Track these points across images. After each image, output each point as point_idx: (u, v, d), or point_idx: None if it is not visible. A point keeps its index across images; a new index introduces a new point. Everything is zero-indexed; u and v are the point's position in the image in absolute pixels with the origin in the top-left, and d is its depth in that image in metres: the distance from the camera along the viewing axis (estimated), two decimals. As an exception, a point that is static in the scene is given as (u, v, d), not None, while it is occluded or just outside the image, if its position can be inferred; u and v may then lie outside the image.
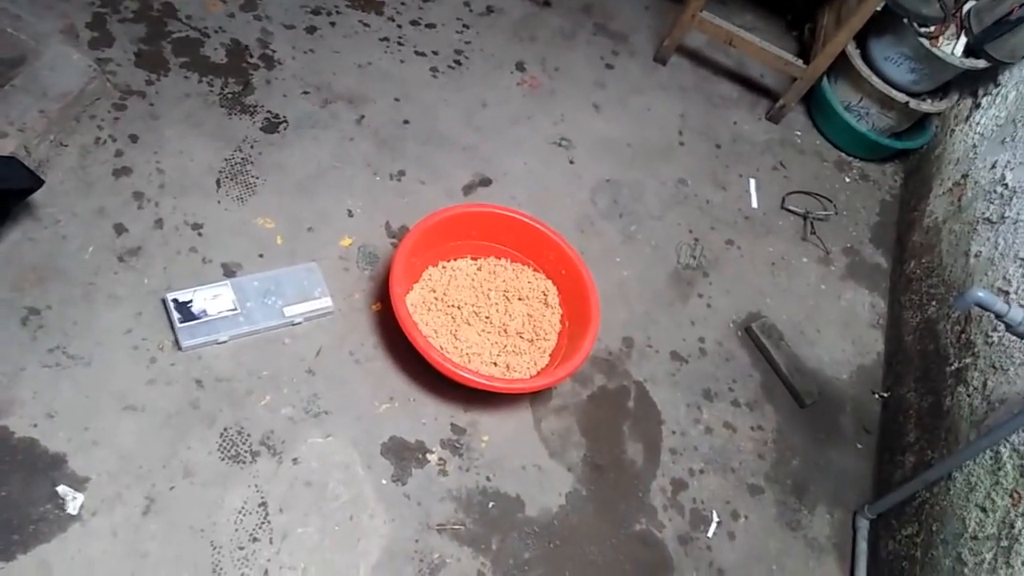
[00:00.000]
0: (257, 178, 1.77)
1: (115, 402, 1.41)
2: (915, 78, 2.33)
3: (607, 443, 1.73)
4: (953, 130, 2.40)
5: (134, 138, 1.72)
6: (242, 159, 1.78)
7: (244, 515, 1.38)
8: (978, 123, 2.27)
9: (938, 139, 2.47)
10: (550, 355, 1.75)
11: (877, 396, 2.09)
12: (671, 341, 1.95)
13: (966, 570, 1.49)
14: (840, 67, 2.44)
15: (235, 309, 1.54)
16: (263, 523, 1.38)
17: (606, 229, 2.09)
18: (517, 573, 1.50)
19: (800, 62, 2.40)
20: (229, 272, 1.61)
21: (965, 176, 2.19)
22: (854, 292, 2.28)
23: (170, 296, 1.50)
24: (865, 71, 2.37)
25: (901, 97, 2.35)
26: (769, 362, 2.03)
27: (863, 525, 1.79)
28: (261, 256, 1.66)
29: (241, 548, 1.35)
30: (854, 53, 2.39)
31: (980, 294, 1.29)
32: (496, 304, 1.76)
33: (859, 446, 1.99)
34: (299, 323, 1.60)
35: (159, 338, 1.49)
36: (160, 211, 1.64)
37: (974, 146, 2.23)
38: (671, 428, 1.81)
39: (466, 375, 1.51)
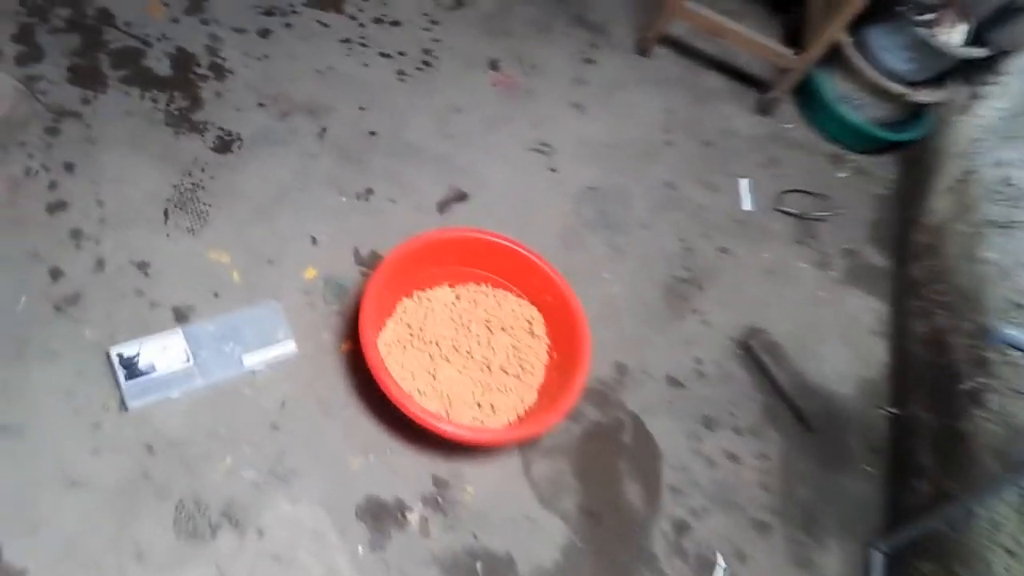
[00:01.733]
0: (209, 205, 1.60)
1: (55, 477, 1.25)
2: (913, 67, 2.20)
3: (603, 485, 1.61)
4: (953, 121, 2.27)
5: (70, 167, 1.54)
6: (192, 184, 1.61)
7: (205, 598, 1.24)
8: (980, 115, 2.14)
9: (937, 130, 2.34)
10: (538, 391, 1.61)
11: (885, 413, 1.99)
12: (666, 364, 1.82)
13: (991, 615, 1.40)
14: (833, 56, 2.30)
15: (188, 361, 1.38)
16: (227, 606, 1.24)
17: (592, 242, 1.94)
18: (511, 639, 1.38)
19: (791, 52, 2.25)
20: (181, 316, 1.45)
21: (968, 173, 2.07)
22: (855, 297, 2.16)
23: (114, 351, 1.34)
24: (860, 61, 2.23)
25: (898, 88, 2.21)
26: (771, 382, 1.91)
27: (877, 560, 1.68)
28: (216, 296, 1.50)
29: (203, 637, 1.22)
30: (847, 42, 2.25)
31: (1011, 333, 1.17)
32: (478, 336, 1.62)
33: (868, 469, 1.88)
34: (260, 371, 1.44)
35: (103, 399, 1.33)
36: (101, 249, 1.47)
37: (976, 140, 2.11)
38: (670, 463, 1.69)
39: (448, 428, 1.37)
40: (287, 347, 1.46)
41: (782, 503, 1.73)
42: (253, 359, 1.43)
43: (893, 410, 1.98)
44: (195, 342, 1.41)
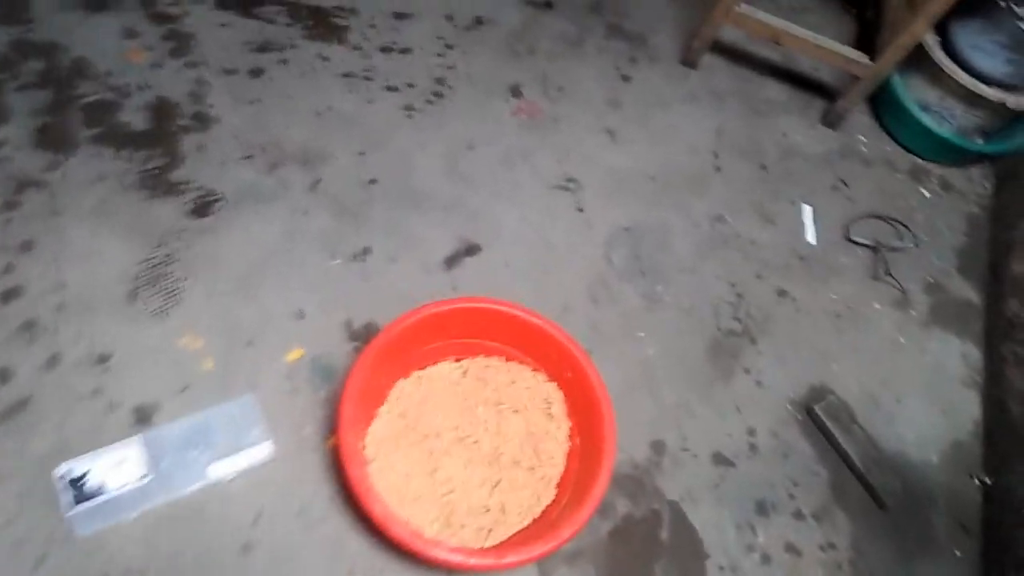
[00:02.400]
0: (184, 280, 1.43)
1: (-6, 619, 1.11)
2: (1012, 70, 1.85)
3: (635, 595, 1.38)
4: (1063, 130, 1.91)
5: (28, 246, 1.40)
6: (165, 257, 1.45)
7: None
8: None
9: (1042, 140, 1.98)
10: (558, 485, 1.39)
11: (977, 482, 1.68)
12: (712, 439, 1.57)
13: None
14: (915, 58, 1.96)
15: (146, 476, 1.21)
16: None
17: (625, 293, 1.70)
18: None
19: (865, 58, 1.93)
20: (143, 417, 1.29)
21: (1085, 197, 1.72)
22: (940, 342, 1.84)
23: (61, 470, 1.19)
24: (948, 64, 1.89)
25: (995, 95, 1.87)
26: (838, 453, 1.63)
27: None
28: (185, 389, 1.33)
29: None
30: (933, 43, 1.91)
31: None
32: (486, 422, 1.40)
33: (958, 553, 1.59)
34: (232, 479, 1.27)
35: (50, 527, 1.18)
36: (57, 342, 1.32)
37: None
38: (718, 563, 1.44)
39: (441, 555, 1.16)
40: (262, 450, 1.28)
41: (854, 609, 1.47)
42: (220, 470, 1.25)
43: (986, 479, 1.67)
44: (157, 449, 1.24)
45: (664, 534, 1.44)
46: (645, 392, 1.58)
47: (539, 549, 1.21)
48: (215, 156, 1.59)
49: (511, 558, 1.19)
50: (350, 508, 1.30)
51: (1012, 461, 1.63)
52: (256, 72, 1.74)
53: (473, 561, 1.19)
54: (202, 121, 1.63)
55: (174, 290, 1.41)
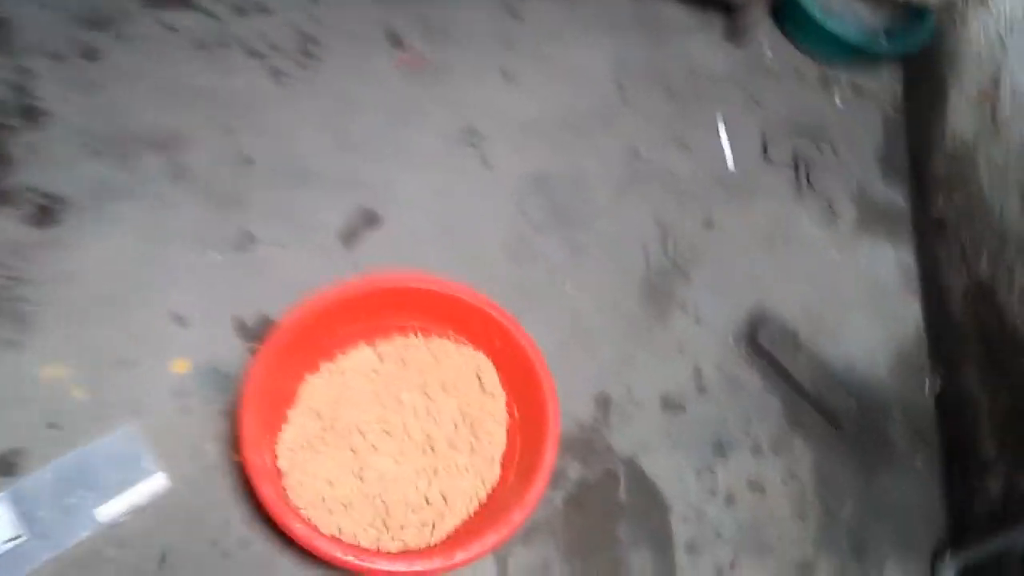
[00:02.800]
0: (34, 305, 1.22)
1: None
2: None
3: (601, 564, 1.27)
4: (966, 19, 1.86)
5: None
6: (7, 279, 1.23)
7: None
8: (1004, 7, 1.73)
9: (946, 32, 1.93)
10: (501, 463, 1.26)
11: (928, 390, 1.64)
12: (658, 385, 1.47)
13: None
14: (809, -41, 1.88)
15: (19, 536, 1.02)
16: None
17: (545, 247, 1.56)
18: None
19: (759, -36, 1.83)
20: (6, 468, 1.09)
21: (996, 82, 1.67)
22: (873, 251, 1.79)
23: (-97, 548, 0.99)
24: (843, -40, 1.81)
25: (894, -13, 1.80)
26: (787, 380, 1.55)
27: (949, 580, 1.36)
28: (53, 427, 1.13)
29: None
30: (826, -61, 1.83)
31: None
32: (414, 408, 1.25)
33: (918, 465, 1.54)
34: (126, 520, 1.09)
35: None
36: None
37: (1001, 39, 1.70)
38: (681, 513, 1.34)
39: (385, 566, 1.02)
40: (155, 481, 1.11)
41: (824, 532, 1.40)
42: (109, 511, 1.07)
43: (936, 382, 1.64)
44: (29, 503, 1.05)
45: (622, 494, 1.34)
46: (581, 348, 1.46)
47: (491, 539, 1.08)
48: (53, 156, 1.36)
49: (461, 555, 1.06)
50: (274, 524, 1.14)
51: (958, 361, 1.59)
52: (90, 53, 1.50)
53: (419, 567, 1.05)
54: (31, 118, 1.39)
55: (24, 315, 1.20)
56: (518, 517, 1.09)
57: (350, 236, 1.44)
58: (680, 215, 1.69)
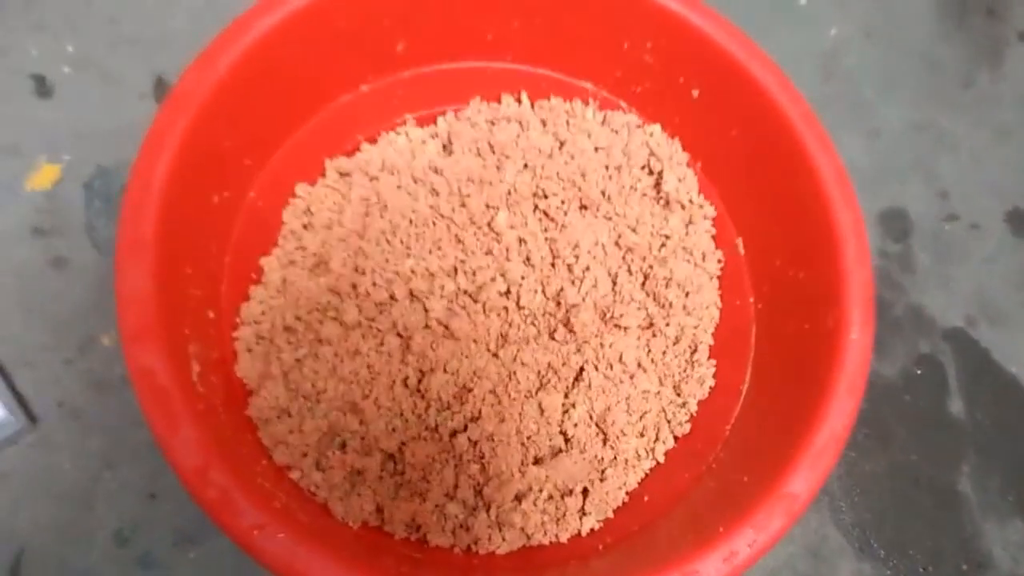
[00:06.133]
0: None
1: None
2: None
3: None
4: None
5: None
6: None
7: None
8: None
9: None
10: (712, 387, 0.58)
11: None
12: (1000, 176, 0.74)
13: None
14: None
15: None
16: None
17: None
18: None
19: None
20: None
21: None
22: None
23: None
24: None
25: None
26: None
27: None
28: None
29: None
30: None
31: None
32: (523, 244, 0.58)
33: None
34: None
35: None
36: None
37: None
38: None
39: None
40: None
41: None
42: None
43: None
44: None
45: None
46: (848, 110, 0.73)
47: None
48: None
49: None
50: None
51: None
52: None
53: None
54: None
55: None
56: (777, 523, 0.43)
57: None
58: None
